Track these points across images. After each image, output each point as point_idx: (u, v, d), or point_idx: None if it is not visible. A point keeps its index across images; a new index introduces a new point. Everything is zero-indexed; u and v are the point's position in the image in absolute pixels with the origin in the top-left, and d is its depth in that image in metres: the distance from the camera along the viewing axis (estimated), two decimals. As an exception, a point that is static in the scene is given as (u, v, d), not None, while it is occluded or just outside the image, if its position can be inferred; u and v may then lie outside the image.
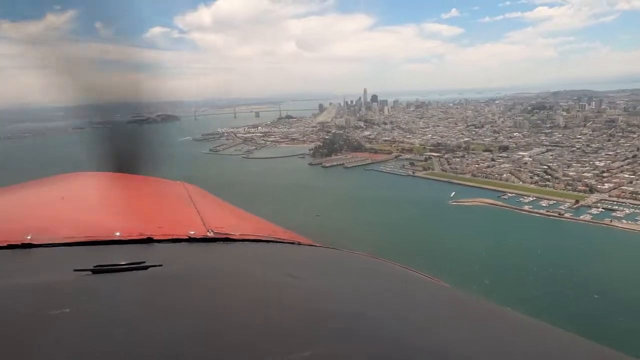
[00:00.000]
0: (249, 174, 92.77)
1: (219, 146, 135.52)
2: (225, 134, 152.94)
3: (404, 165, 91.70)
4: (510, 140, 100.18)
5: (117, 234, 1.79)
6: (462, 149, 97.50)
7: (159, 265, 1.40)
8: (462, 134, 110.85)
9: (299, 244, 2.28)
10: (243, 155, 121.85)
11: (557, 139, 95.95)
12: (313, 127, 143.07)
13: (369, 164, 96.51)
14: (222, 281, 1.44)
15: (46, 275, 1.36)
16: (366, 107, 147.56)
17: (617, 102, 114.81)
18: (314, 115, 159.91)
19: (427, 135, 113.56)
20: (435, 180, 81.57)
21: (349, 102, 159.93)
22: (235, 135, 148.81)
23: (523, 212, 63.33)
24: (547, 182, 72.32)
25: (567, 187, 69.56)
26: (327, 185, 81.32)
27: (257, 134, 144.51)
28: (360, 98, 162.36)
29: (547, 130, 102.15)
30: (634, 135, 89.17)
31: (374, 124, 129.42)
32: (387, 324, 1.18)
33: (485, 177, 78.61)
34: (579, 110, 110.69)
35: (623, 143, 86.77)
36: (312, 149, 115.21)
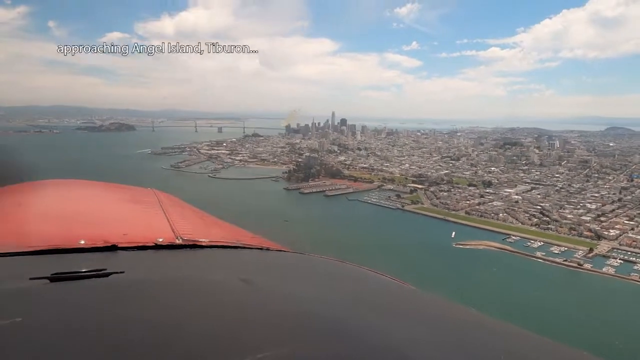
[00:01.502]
0: (218, 197, 78.88)
1: (181, 162, 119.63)
2: (188, 149, 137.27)
3: (389, 197, 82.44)
4: (490, 175, 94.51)
5: (82, 242, 1.68)
6: (445, 182, 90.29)
7: (121, 272, 1.32)
8: (440, 165, 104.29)
9: (267, 249, 2.20)
10: (209, 174, 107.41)
11: (536, 177, 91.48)
12: (282, 147, 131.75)
13: (350, 192, 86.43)
14: (185, 287, 1.37)
15: None
16: (338, 131, 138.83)
17: (572, 141, 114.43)
18: (280, 134, 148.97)
19: (404, 164, 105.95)
20: (426, 216, 72.87)
21: (317, 124, 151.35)
22: (199, 151, 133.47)
23: (537, 260, 55.64)
24: (549, 225, 65.82)
25: (572, 231, 63.31)
26: (311, 217, 69.92)
27: (223, 152, 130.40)
28: (328, 120, 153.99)
29: (523, 167, 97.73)
30: (610, 177, 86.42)
31: (348, 149, 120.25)
32: (352, 325, 1.14)
33: (480, 216, 71.03)
34: (549, 149, 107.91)
35: (602, 185, 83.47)
36: (286, 172, 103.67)
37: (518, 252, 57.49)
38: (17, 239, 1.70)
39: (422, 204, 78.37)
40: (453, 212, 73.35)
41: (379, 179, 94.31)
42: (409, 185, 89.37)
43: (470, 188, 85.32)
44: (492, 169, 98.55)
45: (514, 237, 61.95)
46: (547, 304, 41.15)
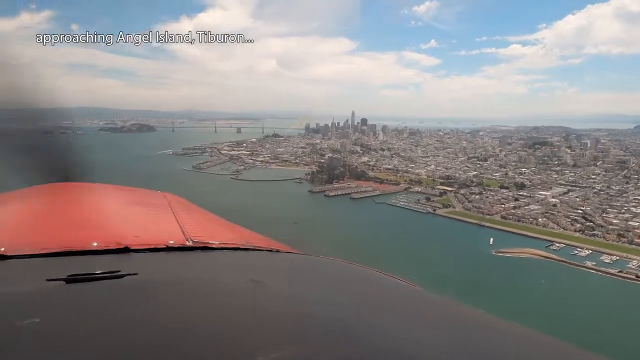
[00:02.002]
0: (242, 202, 75.56)
1: (202, 163, 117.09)
2: (208, 150, 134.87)
3: (419, 200, 78.21)
4: (521, 176, 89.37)
5: (95, 244, 1.69)
6: (474, 184, 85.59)
7: (135, 274, 1.33)
8: (467, 166, 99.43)
9: (277, 251, 2.20)
10: (232, 176, 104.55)
11: (571, 178, 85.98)
12: (302, 148, 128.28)
13: (377, 195, 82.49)
14: (198, 288, 1.39)
15: (16, 286, 1.28)
16: (359, 131, 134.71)
17: (602, 140, 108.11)
18: (300, 134, 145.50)
19: (430, 165, 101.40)
20: (459, 221, 68.53)
21: (337, 124, 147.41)
22: (220, 152, 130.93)
23: (589, 271, 50.94)
24: (594, 231, 60.88)
25: (621, 238, 58.28)
26: (338, 222, 66.30)
27: (244, 153, 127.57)
28: (347, 120, 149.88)
29: (556, 168, 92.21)
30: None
31: (371, 149, 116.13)
32: (358, 327, 1.15)
33: (518, 220, 66.38)
34: (581, 149, 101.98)
35: (643, 187, 77.82)
36: (309, 174, 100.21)
37: (565, 262, 52.73)
38: (33, 241, 1.70)
39: (454, 207, 73.96)
40: (488, 216, 68.81)
41: (405, 180, 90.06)
42: (437, 187, 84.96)
43: (502, 190, 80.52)
44: (523, 170, 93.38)
45: (557, 245, 57.17)
46: (615, 326, 36.70)
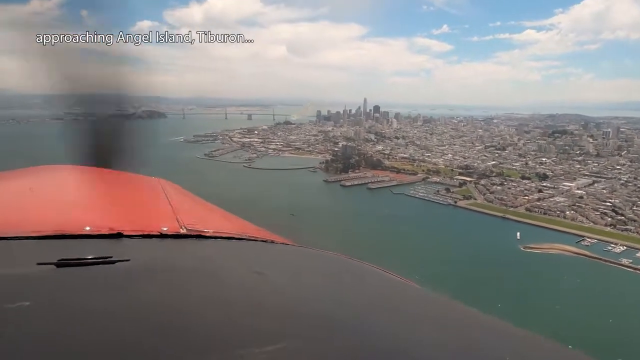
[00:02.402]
0: (255, 191, 72.70)
1: (214, 151, 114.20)
2: (220, 137, 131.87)
3: (438, 191, 75.04)
4: (543, 166, 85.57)
5: (87, 228, 1.65)
6: (494, 174, 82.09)
7: (127, 260, 1.31)
8: (485, 155, 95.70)
9: (272, 242, 2.17)
10: (245, 164, 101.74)
11: (594, 169, 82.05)
12: (314, 135, 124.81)
13: (395, 185, 79.41)
14: (190, 276, 1.37)
15: (6, 269, 1.25)
16: (372, 118, 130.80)
17: (622, 129, 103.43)
18: (311, 122, 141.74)
19: (446, 154, 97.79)
20: (482, 213, 65.40)
21: (349, 111, 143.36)
22: (231, 140, 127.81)
23: (626, 269, 47.77)
24: (626, 226, 57.50)
25: (658, 234, 54.92)
26: (358, 214, 63.48)
27: (256, 140, 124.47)
28: (360, 107, 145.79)
29: (578, 158, 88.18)
30: (679, 170, 76.69)
31: (385, 137, 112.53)
32: (349, 319, 1.15)
33: (544, 213, 63.11)
34: (603, 138, 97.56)
35: (673, 178, 73.85)
36: (323, 162, 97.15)
37: (599, 259, 49.61)
38: (24, 222, 1.67)
39: (475, 199, 70.77)
40: (512, 208, 65.63)
41: (422, 170, 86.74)
42: (456, 177, 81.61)
43: (524, 181, 77.03)
44: (544, 159, 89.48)
45: (589, 240, 53.97)
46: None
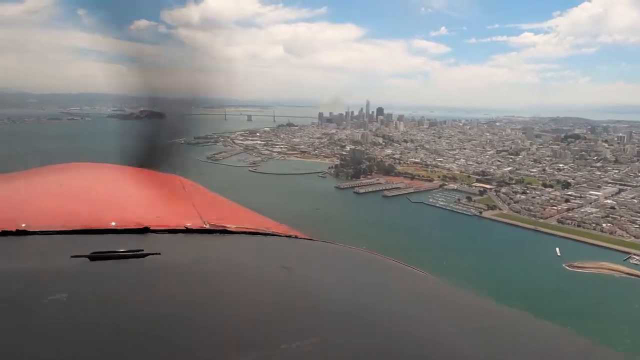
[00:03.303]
0: (264, 199, 65.63)
1: (217, 154, 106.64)
2: (222, 139, 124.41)
3: (459, 200, 68.85)
4: (561, 173, 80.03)
5: (113, 223, 1.64)
6: (513, 181, 76.30)
7: (157, 254, 1.30)
8: (499, 160, 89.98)
9: (296, 237, 2.10)
10: (250, 168, 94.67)
11: (616, 176, 76.69)
12: (318, 138, 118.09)
13: (411, 193, 73.14)
14: (222, 271, 1.37)
15: (42, 262, 1.27)
16: (375, 120, 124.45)
17: (633, 132, 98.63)
18: (313, 124, 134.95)
19: (459, 159, 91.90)
20: (510, 225, 59.40)
21: (351, 113, 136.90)
22: (233, 142, 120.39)
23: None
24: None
25: None
26: (377, 225, 56.95)
27: (259, 143, 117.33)
28: (362, 109, 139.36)
29: (596, 164, 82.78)
30: None
31: (393, 140, 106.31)
32: (380, 315, 1.14)
33: (578, 226, 57.28)
34: (618, 143, 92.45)
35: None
36: (332, 167, 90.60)
37: (657, 281, 43.88)
38: (53, 218, 1.66)
39: (500, 209, 64.76)
40: (541, 220, 59.77)
41: (438, 177, 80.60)
42: (474, 184, 75.58)
43: (547, 189, 71.29)
44: (560, 165, 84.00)
45: (637, 257, 48.34)
46: None
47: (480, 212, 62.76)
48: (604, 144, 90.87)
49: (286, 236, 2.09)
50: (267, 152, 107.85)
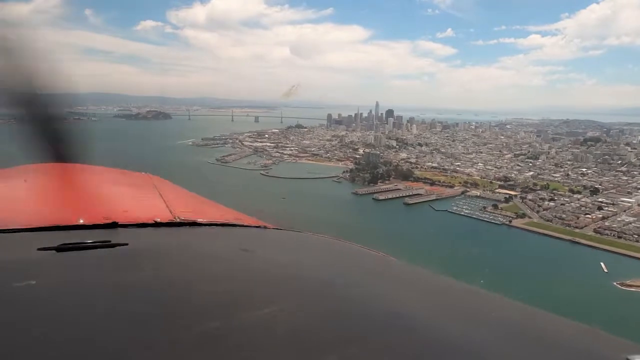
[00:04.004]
0: (279, 206, 60.83)
1: (227, 156, 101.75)
2: (230, 141, 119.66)
3: (485, 208, 64.20)
4: (586, 178, 75.42)
5: (81, 220, 1.61)
6: (538, 186, 71.68)
7: (125, 244, 1.29)
8: (518, 165, 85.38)
9: (265, 227, 2.11)
10: (261, 172, 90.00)
11: (644, 181, 72.12)
12: (329, 140, 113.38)
13: (433, 200, 68.52)
14: (187, 256, 1.38)
15: (6, 255, 1.24)
16: (391, 124, 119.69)
17: None
18: (322, 125, 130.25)
19: (477, 163, 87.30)
20: (543, 235, 54.76)
21: (360, 115, 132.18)
22: (242, 143, 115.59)
23: None
24: None
25: None
26: (402, 235, 52.30)
27: (268, 145, 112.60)
28: (371, 111, 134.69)
29: (621, 169, 78.12)
30: None
31: (407, 144, 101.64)
32: (334, 286, 1.20)
33: (619, 237, 52.65)
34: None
35: None
36: (347, 171, 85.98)
37: None
38: (20, 216, 1.64)
39: (529, 217, 60.12)
40: (577, 230, 55.11)
41: (459, 182, 75.95)
42: (497, 191, 70.99)
43: (575, 196, 66.69)
44: (583, 170, 79.38)
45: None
46: None
47: (510, 221, 58.13)
48: (626, 147, 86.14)
49: (255, 227, 2.06)
50: (277, 154, 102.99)
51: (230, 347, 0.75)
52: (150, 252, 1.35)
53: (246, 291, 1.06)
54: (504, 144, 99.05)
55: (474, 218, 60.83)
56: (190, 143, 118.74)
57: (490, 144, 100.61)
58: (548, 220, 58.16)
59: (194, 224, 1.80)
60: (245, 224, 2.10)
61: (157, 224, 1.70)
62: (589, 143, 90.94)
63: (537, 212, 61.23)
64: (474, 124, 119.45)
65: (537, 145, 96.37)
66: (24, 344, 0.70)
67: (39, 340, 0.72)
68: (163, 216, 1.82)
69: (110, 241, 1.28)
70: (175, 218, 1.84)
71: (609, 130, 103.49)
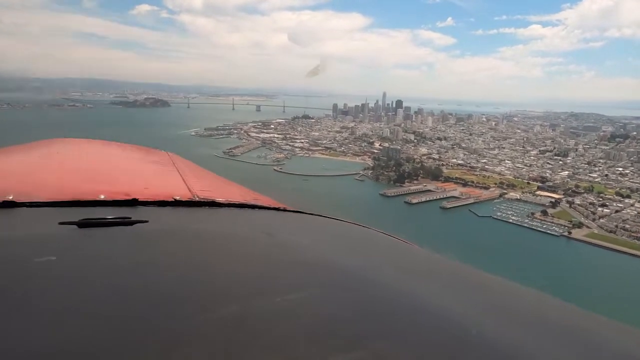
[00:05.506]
0: (299, 204, 49.99)
1: (234, 148, 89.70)
2: (235, 131, 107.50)
3: (532, 214, 54.84)
4: (626, 179, 66.66)
5: (102, 196, 1.56)
6: (581, 189, 62.62)
7: (145, 222, 1.25)
8: (549, 163, 76.21)
9: (284, 209, 2.00)
10: (274, 166, 79.02)
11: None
12: (338, 132, 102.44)
13: (472, 203, 58.90)
14: (208, 236, 1.34)
15: (29, 229, 1.22)
16: (394, 113, 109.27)
17: None
18: (327, 115, 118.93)
19: (503, 160, 77.93)
20: (613, 251, 45.69)
21: (368, 105, 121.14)
22: (248, 134, 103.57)
23: None
24: None
25: None
26: (457, 245, 42.52)
27: (276, 136, 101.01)
28: (377, 101, 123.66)
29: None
30: None
31: (425, 138, 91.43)
32: (359, 273, 1.13)
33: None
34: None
35: None
36: (368, 168, 75.65)
37: None
38: (42, 190, 1.58)
39: (587, 226, 50.95)
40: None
41: (494, 183, 66.41)
42: (537, 193, 61.75)
43: (627, 200, 57.79)
44: (620, 169, 70.61)
45: None
46: None
47: (569, 233, 48.80)
48: (661, 144, 77.52)
49: (274, 209, 1.97)
50: (287, 147, 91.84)
51: (251, 333, 0.70)
52: (170, 231, 1.30)
53: (269, 275, 1.00)
54: (525, 139, 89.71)
55: (525, 227, 51.42)
56: (193, 133, 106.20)
57: (510, 138, 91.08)
58: (611, 232, 49.07)
59: (213, 203, 1.72)
60: (264, 205, 1.95)
61: (176, 202, 1.63)
62: (617, 139, 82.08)
63: (593, 220, 52.11)
64: (484, 116, 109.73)
65: (562, 141, 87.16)
66: (43, 320, 0.67)
67: (57, 317, 0.69)
68: (182, 194, 1.73)
69: (130, 218, 1.24)
70: (194, 197, 1.75)
71: (625, 125, 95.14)
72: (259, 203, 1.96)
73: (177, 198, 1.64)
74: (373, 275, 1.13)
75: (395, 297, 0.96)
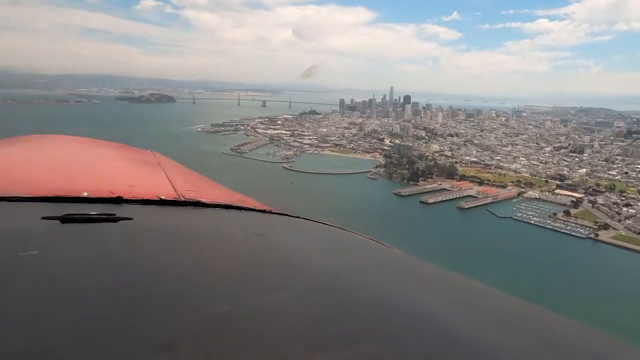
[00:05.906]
0: (312, 205, 47.52)
1: (242, 145, 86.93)
2: (242, 127, 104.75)
3: (554, 215, 52.20)
4: (647, 177, 63.85)
5: (85, 193, 1.52)
6: (602, 187, 59.92)
7: (129, 219, 1.22)
8: (565, 160, 73.45)
9: (270, 212, 1.97)
10: (284, 165, 76.53)
11: None
12: (346, 127, 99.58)
13: (490, 203, 56.32)
14: (192, 236, 1.32)
15: (10, 224, 1.19)
16: (402, 109, 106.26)
17: None
18: (334, 111, 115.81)
19: (518, 157, 75.21)
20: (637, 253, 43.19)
21: (377, 101, 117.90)
22: (255, 131, 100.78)
23: None
24: None
25: None
26: (475, 249, 40.14)
27: (284, 132, 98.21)
28: (385, 96, 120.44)
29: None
30: None
31: (436, 134, 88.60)
32: (345, 274, 1.14)
33: None
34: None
35: None
36: (380, 166, 73.04)
37: None
38: (25, 185, 1.54)
39: (613, 228, 48.30)
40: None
41: (511, 181, 63.72)
42: (557, 192, 59.07)
43: (651, 200, 55.05)
44: (638, 167, 67.82)
45: None
46: None
47: (596, 235, 46.21)
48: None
49: (260, 211, 1.95)
50: (296, 143, 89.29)
51: (238, 332, 0.69)
52: (155, 229, 1.28)
53: (253, 275, 0.99)
54: (537, 135, 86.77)
55: (548, 228, 48.83)
56: (200, 129, 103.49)
57: (522, 134, 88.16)
58: (637, 234, 46.46)
59: (198, 203, 1.70)
60: (250, 206, 1.94)
61: (161, 202, 1.61)
62: (634, 136, 79.11)
63: (619, 221, 49.48)
64: (493, 112, 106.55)
65: (576, 137, 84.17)
66: (24, 314, 0.66)
67: (38, 311, 0.68)
68: (167, 194, 1.71)
69: (115, 214, 1.21)
70: (179, 197, 1.73)
71: (638, 120, 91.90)
72: (244, 204, 1.93)
73: (163, 197, 1.63)
74: (357, 278, 1.13)
75: (372, 298, 0.97)
